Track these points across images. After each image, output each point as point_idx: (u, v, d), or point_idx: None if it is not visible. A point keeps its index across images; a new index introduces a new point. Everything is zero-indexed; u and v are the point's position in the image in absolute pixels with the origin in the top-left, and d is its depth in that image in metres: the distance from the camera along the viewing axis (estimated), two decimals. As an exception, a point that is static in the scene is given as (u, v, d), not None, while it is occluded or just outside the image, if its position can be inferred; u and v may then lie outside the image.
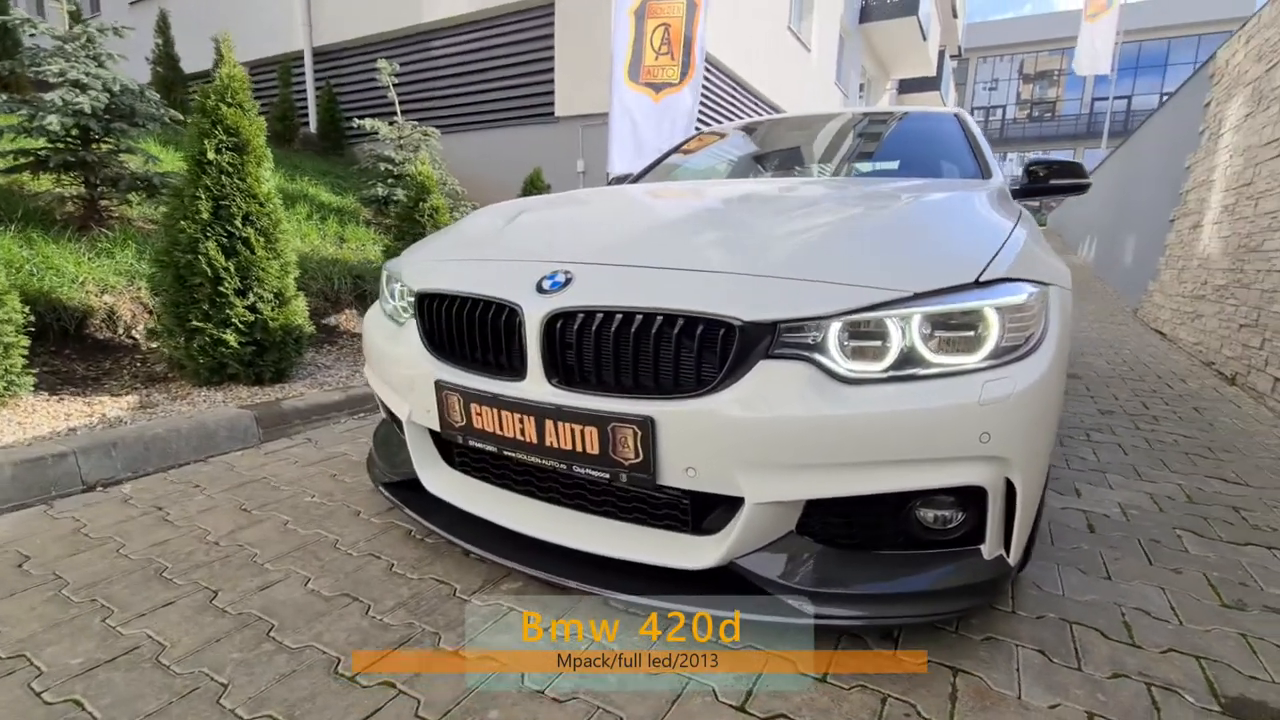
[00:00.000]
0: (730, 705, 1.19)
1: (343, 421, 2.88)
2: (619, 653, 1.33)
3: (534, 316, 1.37)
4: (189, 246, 2.70)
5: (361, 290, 4.35)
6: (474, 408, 1.47)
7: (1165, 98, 7.50)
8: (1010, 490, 1.24)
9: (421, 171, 3.78)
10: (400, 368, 1.70)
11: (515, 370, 1.43)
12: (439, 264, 1.74)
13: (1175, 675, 1.32)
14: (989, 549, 1.28)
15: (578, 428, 1.32)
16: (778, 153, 3.06)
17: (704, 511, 1.37)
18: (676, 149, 3.40)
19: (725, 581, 1.32)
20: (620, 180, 3.29)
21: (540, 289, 1.40)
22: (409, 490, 1.80)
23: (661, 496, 1.39)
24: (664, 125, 5.07)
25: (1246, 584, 1.70)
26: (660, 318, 1.27)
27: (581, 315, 1.33)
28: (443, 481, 1.69)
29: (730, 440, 1.22)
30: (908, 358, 1.22)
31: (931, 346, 1.22)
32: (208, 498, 2.06)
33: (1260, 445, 2.94)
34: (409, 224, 3.74)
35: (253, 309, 2.84)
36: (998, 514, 1.25)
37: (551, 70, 7.23)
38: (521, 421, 1.40)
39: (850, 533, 1.31)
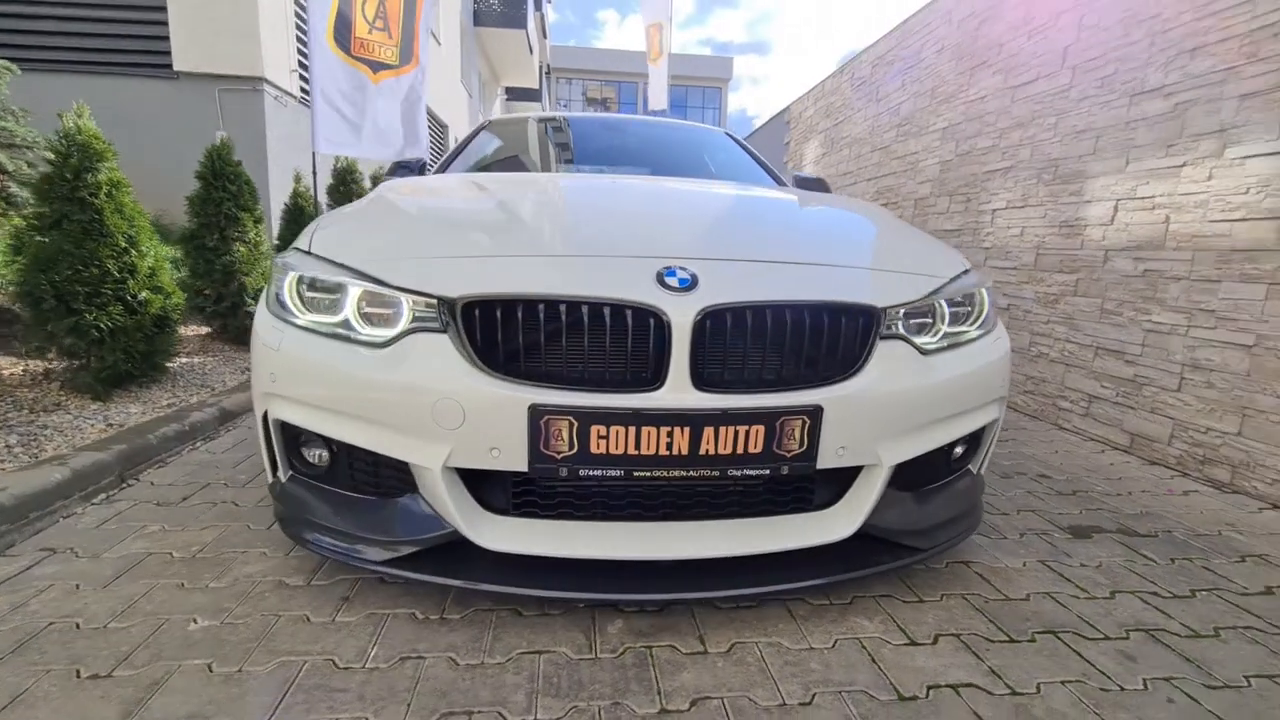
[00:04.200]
0: (898, 640, 1.36)
1: (81, 512, 1.84)
2: (821, 649, 1.36)
3: (682, 317, 1.25)
4: None
5: (-64, 310, 2.68)
6: (595, 430, 1.24)
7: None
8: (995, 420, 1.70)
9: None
10: (416, 401, 1.28)
11: (647, 379, 1.27)
12: (478, 262, 1.35)
13: (1039, 524, 2.02)
14: (975, 467, 1.74)
15: (743, 429, 1.28)
16: (599, 151, 3.11)
17: (816, 490, 1.48)
18: (474, 136, 3.13)
19: (823, 552, 1.45)
20: (408, 167, 2.86)
21: (665, 286, 1.28)
22: (416, 560, 1.38)
23: (780, 484, 1.44)
24: (388, 110, 4.48)
25: (1009, 459, 2.64)
26: (805, 309, 1.33)
27: (730, 313, 1.28)
28: (506, 532, 1.35)
29: (876, 414, 1.37)
30: (945, 331, 1.56)
31: (952, 320, 1.59)
32: (-21, 687, 1.14)
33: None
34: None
35: None
36: (988, 440, 1.71)
37: (161, 8, 5.44)
38: (670, 434, 1.26)
39: (916, 477, 1.59)
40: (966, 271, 1.68)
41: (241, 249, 3.68)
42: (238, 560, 1.62)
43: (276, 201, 5.48)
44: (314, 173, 4.59)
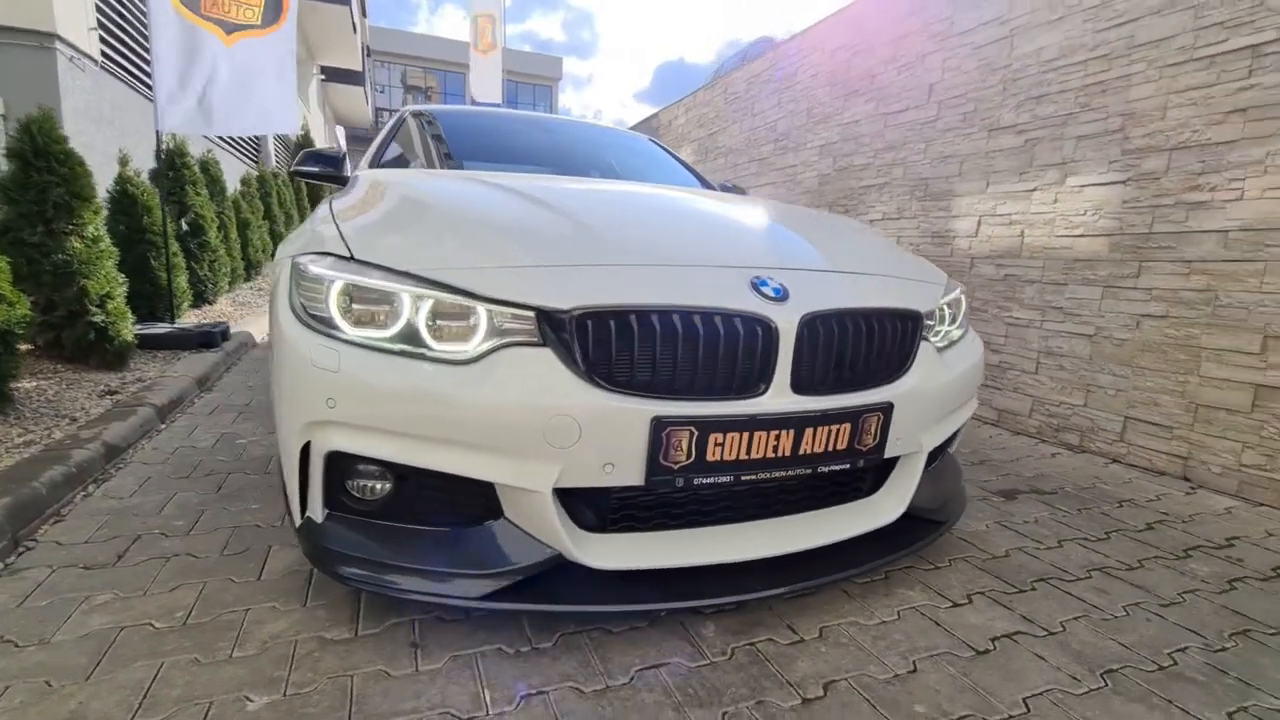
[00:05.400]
0: (944, 603, 1.56)
1: (-18, 589, 1.41)
2: (891, 621, 1.49)
3: (787, 325, 1.31)
4: None
5: None
6: (713, 438, 1.26)
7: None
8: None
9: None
10: (525, 420, 1.20)
11: (751, 386, 1.31)
12: (579, 271, 1.28)
13: (975, 492, 2.38)
14: (951, 448, 2.01)
15: (834, 427, 1.37)
16: (539, 151, 2.99)
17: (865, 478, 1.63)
18: (399, 125, 2.88)
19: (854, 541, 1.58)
20: (325, 158, 2.56)
21: (762, 295, 1.34)
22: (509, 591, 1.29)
23: (845, 476, 1.55)
24: (245, 79, 3.88)
25: (913, 443, 3.02)
26: (874, 315, 1.46)
27: (819, 320, 1.37)
28: (613, 549, 1.32)
29: (923, 406, 1.55)
30: (945, 331, 1.79)
31: (949, 321, 1.82)
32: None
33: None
34: None
35: None
36: (964, 424, 1.99)
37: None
38: (777, 438, 1.32)
39: (931, 461, 1.79)
40: (949, 279, 1.94)
41: (77, 245, 3.00)
42: (249, 620, 1.37)
43: (84, 186, 4.49)
44: (159, 155, 3.86)
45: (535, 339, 1.24)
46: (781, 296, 1.35)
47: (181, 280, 4.26)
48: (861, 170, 4.43)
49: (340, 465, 1.28)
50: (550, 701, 1.17)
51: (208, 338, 3.77)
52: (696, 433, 1.25)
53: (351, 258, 1.32)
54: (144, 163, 4.98)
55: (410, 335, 1.25)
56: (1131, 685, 1.29)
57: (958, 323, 1.86)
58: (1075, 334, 3.05)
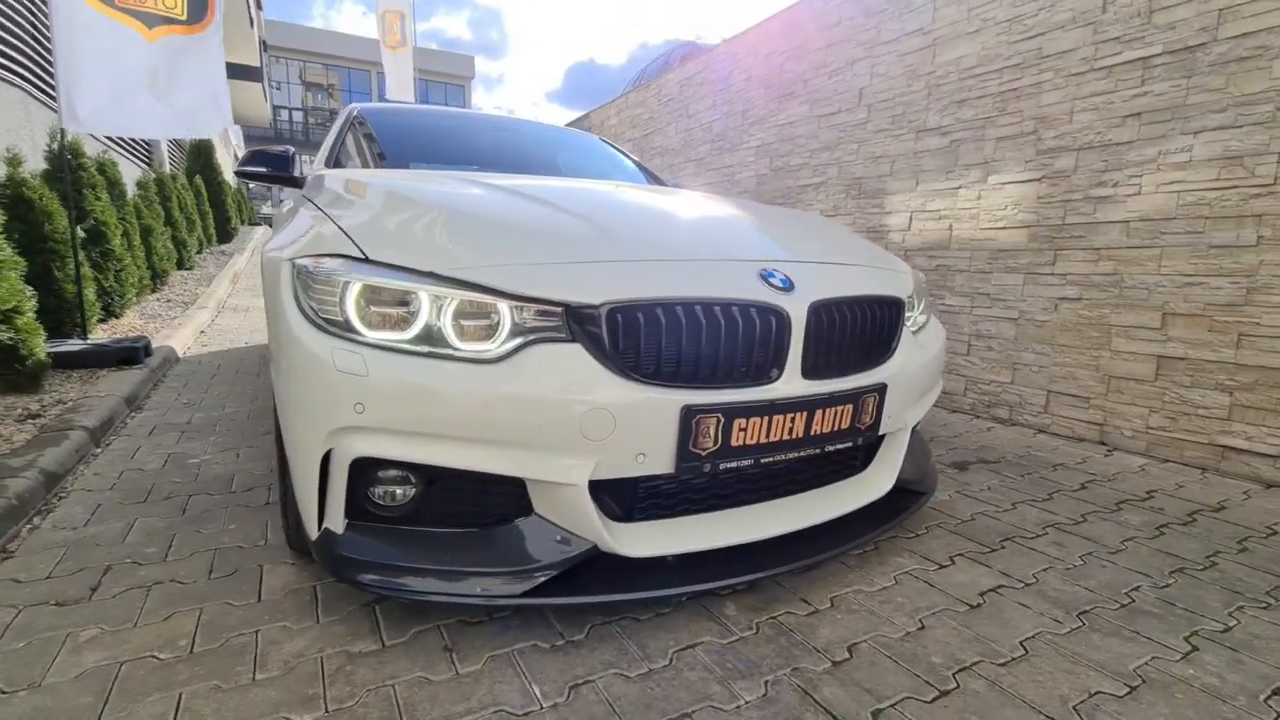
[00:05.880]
0: (932, 566, 1.70)
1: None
2: (890, 586, 1.59)
3: (798, 313, 1.39)
4: None
5: None
6: (737, 423, 1.33)
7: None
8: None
9: None
10: (562, 415, 1.22)
11: (765, 372, 1.38)
12: (605, 267, 1.30)
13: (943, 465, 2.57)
14: (919, 425, 2.17)
15: (840, 408, 1.47)
16: (499, 151, 2.95)
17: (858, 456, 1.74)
18: (347, 124, 2.77)
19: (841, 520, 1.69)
20: (275, 159, 2.45)
21: (771, 286, 1.41)
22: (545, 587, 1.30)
23: (843, 454, 1.65)
24: (172, 80, 3.59)
25: (867, 425, 3.22)
26: (867, 302, 1.57)
27: (822, 308, 1.46)
28: (647, 537, 1.36)
29: (908, 385, 1.67)
30: (914, 316, 1.94)
31: (914, 307, 1.97)
32: None
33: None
34: None
35: None
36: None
37: None
38: (792, 420, 1.40)
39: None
40: (911, 268, 2.10)
41: (-26, 256, 2.69)
42: (263, 642, 1.31)
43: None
44: (62, 152, 3.51)
45: (563, 335, 1.26)
46: (788, 287, 1.43)
47: (90, 292, 3.89)
48: (798, 170, 4.64)
49: (364, 472, 1.25)
50: (599, 689, 1.19)
51: (129, 354, 3.46)
52: (723, 419, 1.31)
53: (366, 259, 1.28)
54: (30, 163, 4.51)
55: (433, 335, 1.23)
56: (1104, 622, 1.46)
57: (921, 308, 2.01)
58: (1001, 318, 3.35)
